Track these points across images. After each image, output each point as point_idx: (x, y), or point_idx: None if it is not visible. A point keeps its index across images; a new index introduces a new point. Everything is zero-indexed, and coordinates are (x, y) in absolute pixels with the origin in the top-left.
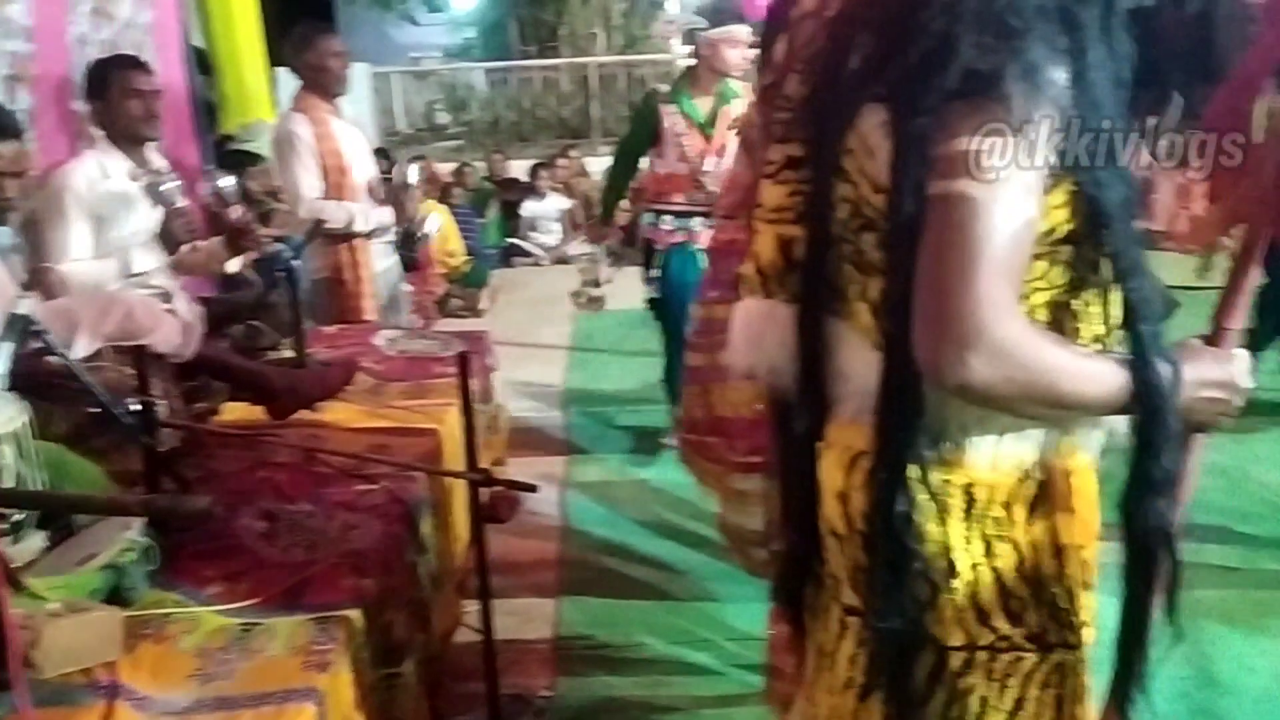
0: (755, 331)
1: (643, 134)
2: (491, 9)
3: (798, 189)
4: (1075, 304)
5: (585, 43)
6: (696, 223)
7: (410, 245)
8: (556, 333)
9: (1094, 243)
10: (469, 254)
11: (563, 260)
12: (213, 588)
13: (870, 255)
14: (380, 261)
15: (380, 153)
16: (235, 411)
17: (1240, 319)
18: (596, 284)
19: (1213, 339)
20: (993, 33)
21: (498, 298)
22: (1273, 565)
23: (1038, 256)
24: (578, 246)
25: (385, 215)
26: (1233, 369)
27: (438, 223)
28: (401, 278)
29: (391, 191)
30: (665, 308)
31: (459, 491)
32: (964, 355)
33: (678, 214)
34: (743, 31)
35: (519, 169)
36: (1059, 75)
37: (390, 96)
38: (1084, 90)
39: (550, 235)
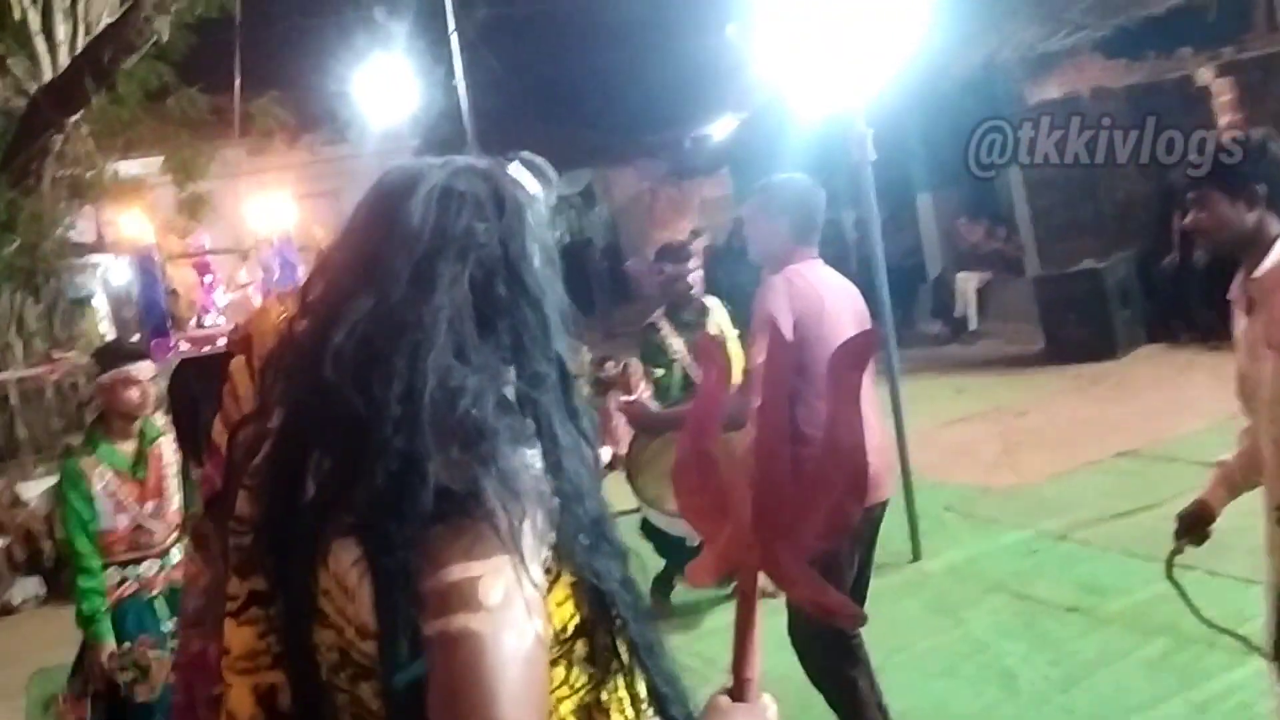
0: None
1: (79, 499)
2: None
3: (269, 628)
4: (603, 697)
5: None
6: (146, 566)
7: None
8: (6, 711)
9: (606, 627)
10: None
11: (6, 610)
12: None
13: (371, 705)
14: None
15: None
16: None
17: (756, 666)
18: None
19: (736, 693)
20: (459, 443)
21: None
22: None
23: (554, 662)
24: (21, 590)
25: None
26: (765, 719)
27: None
28: None
29: None
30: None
31: None
32: None
33: (123, 563)
34: (142, 369)
35: None
36: (535, 465)
37: None
38: (562, 477)
39: None
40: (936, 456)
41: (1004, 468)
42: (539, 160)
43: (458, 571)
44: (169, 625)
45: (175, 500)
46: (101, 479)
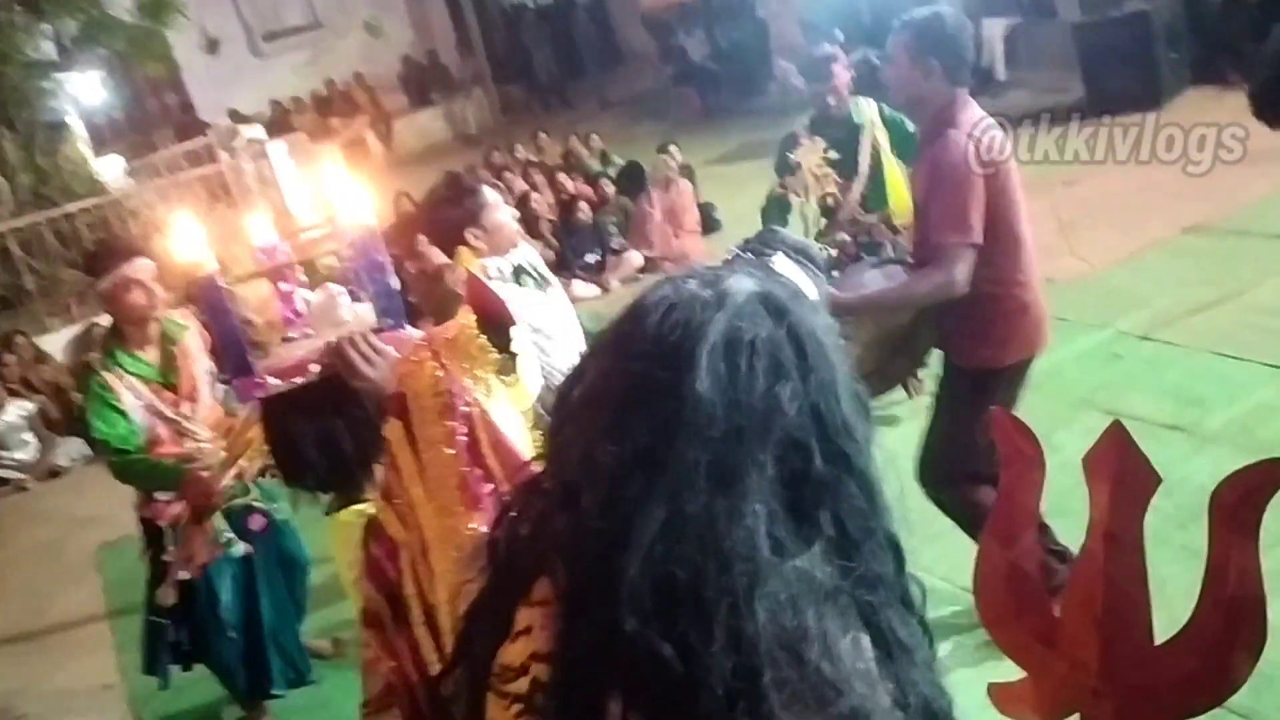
0: None
1: (113, 415)
2: None
3: None
4: None
5: None
6: None
7: None
8: (84, 595)
9: None
10: None
11: (54, 472)
12: None
13: None
14: None
15: None
16: None
17: None
18: None
19: None
20: (814, 708)
21: None
22: None
23: None
24: (65, 451)
25: None
26: None
27: None
28: None
29: None
30: (193, 596)
31: None
32: None
33: None
34: (139, 267)
35: None
36: (869, 658)
37: None
38: (909, 693)
39: (25, 450)
40: None
41: (1064, 253)
42: (804, 242)
43: None
44: (235, 546)
45: (208, 397)
46: (131, 390)
